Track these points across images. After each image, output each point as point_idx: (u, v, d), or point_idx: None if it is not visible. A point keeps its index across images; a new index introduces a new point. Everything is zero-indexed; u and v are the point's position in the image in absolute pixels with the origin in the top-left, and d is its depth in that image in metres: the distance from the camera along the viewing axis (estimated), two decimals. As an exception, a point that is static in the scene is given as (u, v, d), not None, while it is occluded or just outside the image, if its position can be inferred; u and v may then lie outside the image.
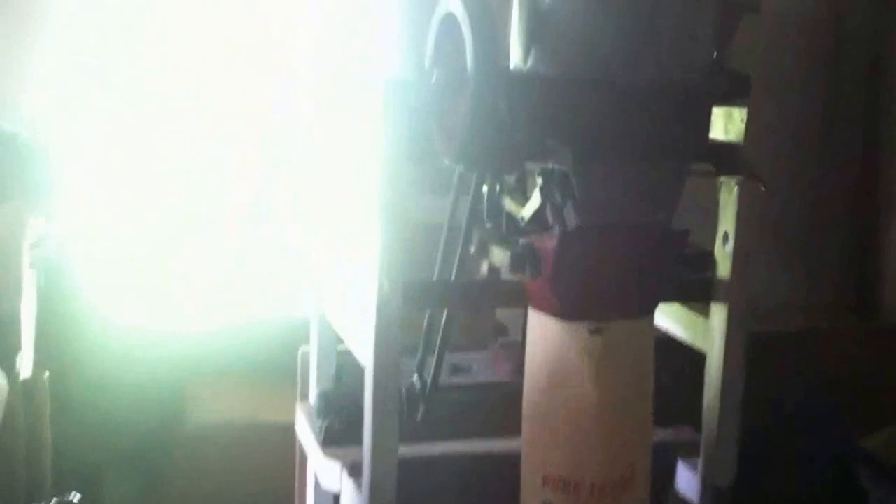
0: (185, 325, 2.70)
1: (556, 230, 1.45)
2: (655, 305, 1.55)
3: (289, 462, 2.23)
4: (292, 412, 2.13)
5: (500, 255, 1.55)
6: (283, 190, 2.55)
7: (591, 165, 1.43)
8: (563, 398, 1.50)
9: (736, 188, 1.60)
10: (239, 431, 2.55)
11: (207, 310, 2.72)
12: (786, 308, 2.94)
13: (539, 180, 1.48)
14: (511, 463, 1.60)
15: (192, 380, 2.64)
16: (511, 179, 1.69)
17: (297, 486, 2.03)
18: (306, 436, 1.86)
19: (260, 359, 2.62)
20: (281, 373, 2.36)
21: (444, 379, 1.80)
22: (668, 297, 1.62)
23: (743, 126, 1.58)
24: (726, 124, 1.60)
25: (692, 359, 1.74)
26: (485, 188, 1.64)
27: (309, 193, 1.94)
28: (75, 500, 2.35)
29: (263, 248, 2.67)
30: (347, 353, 1.90)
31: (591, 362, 1.47)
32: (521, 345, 1.88)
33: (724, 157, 1.59)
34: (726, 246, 1.62)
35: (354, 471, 1.64)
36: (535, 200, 1.51)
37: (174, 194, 2.63)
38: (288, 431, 2.21)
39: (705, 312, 1.68)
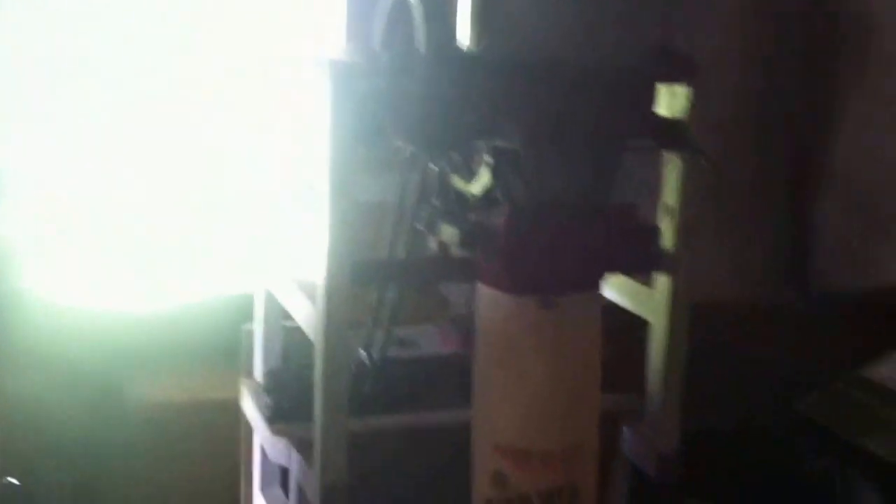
0: (125, 305, 2.67)
1: (506, 207, 1.48)
2: (603, 279, 1.58)
3: (233, 439, 2.23)
4: (234, 390, 2.14)
5: (449, 232, 1.56)
6: (229, 167, 2.53)
7: (540, 145, 1.46)
8: (513, 371, 1.52)
9: (679, 163, 1.64)
10: (180, 410, 2.54)
11: (147, 290, 2.69)
12: (721, 281, 3.01)
13: (488, 159, 1.51)
14: (461, 434, 1.63)
15: (132, 360, 2.62)
16: (457, 158, 1.71)
17: (242, 462, 2.03)
18: (253, 412, 1.87)
19: (200, 338, 2.61)
20: (222, 351, 2.36)
21: (392, 353, 1.83)
22: (616, 268, 1.65)
23: (687, 103, 1.61)
24: (670, 101, 1.63)
25: (635, 327, 1.78)
26: (433, 167, 1.65)
27: (256, 171, 1.93)
28: (14, 485, 2.32)
29: (205, 227, 2.64)
30: (294, 330, 1.92)
31: (540, 335, 1.50)
32: (469, 318, 1.91)
33: (668, 134, 1.63)
34: (670, 219, 1.66)
35: (304, 446, 1.65)
36: (484, 178, 1.53)
37: (116, 173, 2.59)
38: (231, 409, 2.22)
39: (649, 282, 1.72)
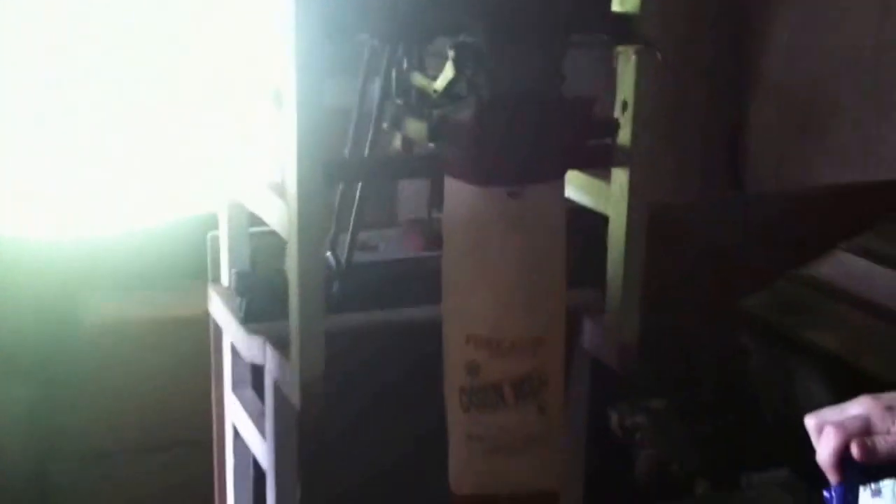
0: (80, 231, 2.67)
1: (472, 100, 1.51)
2: (567, 169, 1.63)
3: (193, 352, 2.26)
4: (189, 306, 2.16)
5: (415, 128, 1.60)
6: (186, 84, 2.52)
7: (502, 38, 1.49)
8: (483, 261, 1.57)
9: (633, 57, 1.68)
10: (142, 326, 2.56)
11: (101, 215, 2.69)
12: (662, 184, 3.08)
13: (452, 53, 1.54)
14: (431, 329, 1.67)
15: (93, 282, 2.63)
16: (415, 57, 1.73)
17: (213, 366, 2.06)
18: (223, 315, 1.90)
19: (153, 259, 2.62)
20: (186, 270, 2.39)
21: (356, 257, 1.86)
22: (577, 162, 1.70)
23: (638, -2, 1.65)
24: (622, -4, 1.67)
25: (594, 224, 1.83)
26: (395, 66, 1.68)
27: (217, 82, 1.94)
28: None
29: (159, 146, 2.64)
30: (259, 236, 1.95)
31: (509, 224, 1.55)
32: (427, 221, 1.96)
33: (621, 28, 1.67)
34: (625, 113, 1.71)
35: (280, 343, 1.69)
36: (447, 73, 1.56)
37: (68, 95, 2.56)
38: (194, 324, 2.25)
39: (607, 178, 1.77)
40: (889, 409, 1.15)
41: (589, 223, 1.84)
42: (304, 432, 1.77)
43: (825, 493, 1.16)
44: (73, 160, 2.62)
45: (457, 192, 1.57)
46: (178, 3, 2.49)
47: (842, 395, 1.20)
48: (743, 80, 3.90)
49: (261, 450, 1.86)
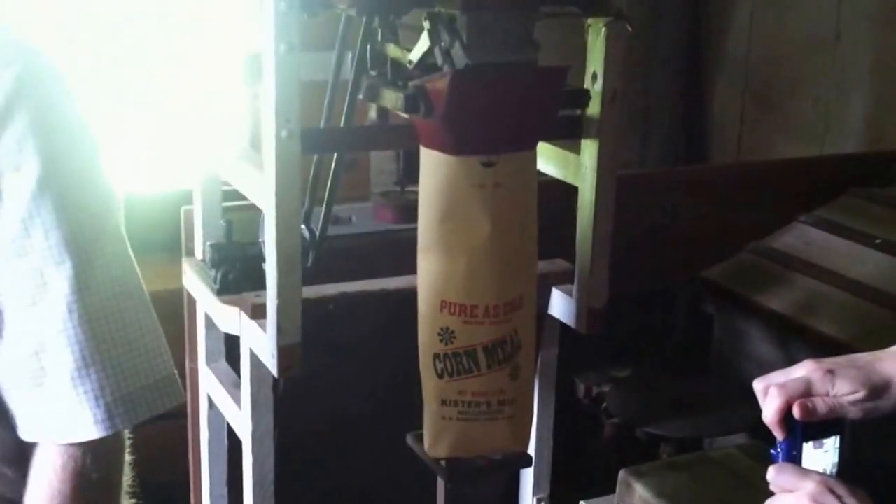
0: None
1: (447, 70, 1.54)
2: (539, 139, 1.66)
3: (165, 327, 2.27)
4: (160, 281, 2.16)
5: (391, 98, 1.62)
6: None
7: (477, 8, 1.52)
8: (457, 229, 1.60)
9: (603, 29, 1.72)
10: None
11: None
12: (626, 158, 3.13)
13: (427, 24, 1.57)
14: (406, 298, 1.71)
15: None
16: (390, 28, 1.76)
17: (186, 340, 2.08)
18: (197, 287, 1.92)
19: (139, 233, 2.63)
20: (148, 245, 2.39)
21: (330, 230, 1.89)
22: (549, 133, 1.73)
23: (608, -30, 1.69)
24: (592, -31, 1.70)
25: (562, 197, 1.87)
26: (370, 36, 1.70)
27: (189, 55, 1.95)
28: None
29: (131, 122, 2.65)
30: (233, 210, 1.97)
31: (483, 193, 1.58)
32: (401, 193, 1.99)
33: (591, 1, 1.70)
34: (595, 85, 1.74)
35: (257, 312, 1.72)
36: (422, 44, 1.59)
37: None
38: (157, 298, 2.26)
39: (576, 150, 1.81)
40: (829, 372, 1.26)
41: (554, 194, 1.87)
42: (283, 400, 1.80)
43: (772, 451, 1.26)
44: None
45: (431, 161, 1.60)
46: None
47: (795, 357, 1.26)
48: (705, 57, 3.97)
49: (237, 420, 1.89)
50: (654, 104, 3.96)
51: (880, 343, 1.36)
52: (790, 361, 1.34)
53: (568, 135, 1.77)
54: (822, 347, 2.16)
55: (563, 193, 1.84)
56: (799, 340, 2.29)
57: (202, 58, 1.91)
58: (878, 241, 2.46)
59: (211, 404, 2.04)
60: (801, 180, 2.81)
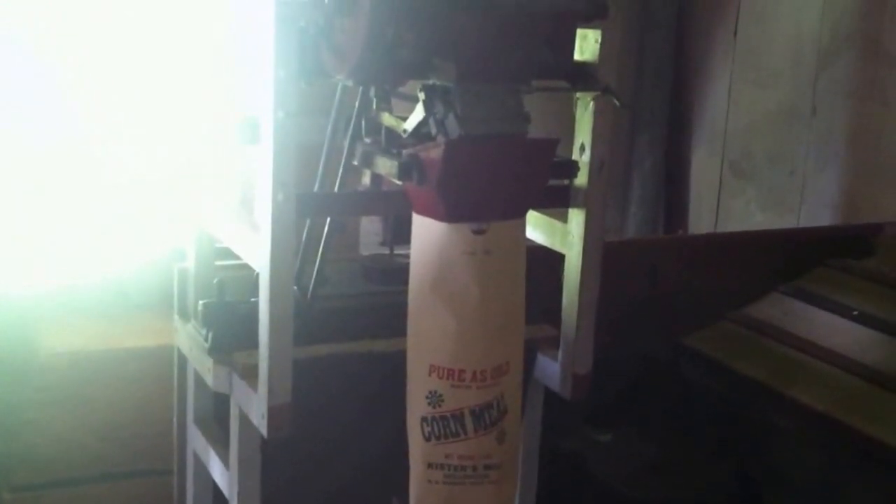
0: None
1: (441, 140, 1.59)
2: (529, 208, 1.71)
3: (154, 383, 2.29)
4: (150, 337, 2.18)
5: (385, 166, 1.66)
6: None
7: (471, 81, 1.57)
8: (447, 294, 1.64)
9: (591, 103, 1.77)
10: (95, 358, 2.58)
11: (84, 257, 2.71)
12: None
13: (422, 95, 1.61)
14: (394, 360, 1.73)
15: (44, 315, 2.64)
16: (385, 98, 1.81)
17: (175, 398, 2.10)
18: (189, 346, 1.94)
19: (114, 290, 2.65)
20: (138, 302, 2.42)
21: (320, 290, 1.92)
22: (539, 202, 1.78)
23: (597, 46, 1.75)
24: (581, 45, 1.76)
25: (549, 264, 1.91)
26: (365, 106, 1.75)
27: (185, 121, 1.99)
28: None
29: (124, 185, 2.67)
30: (226, 269, 1.99)
31: (473, 260, 1.62)
32: (389, 256, 2.02)
33: (580, 76, 1.76)
34: (583, 156, 1.80)
35: (247, 372, 1.74)
36: (417, 114, 1.64)
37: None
38: (147, 354, 2.27)
39: (564, 219, 1.86)
40: None
41: (541, 261, 1.92)
42: (270, 460, 1.82)
43: None
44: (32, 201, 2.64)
45: (424, 227, 1.64)
46: (145, 32, 2.53)
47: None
48: (685, 128, 4.05)
49: (223, 479, 1.90)
50: (634, 172, 4.03)
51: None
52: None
53: (556, 204, 1.82)
54: (799, 415, 2.20)
55: (548, 260, 1.88)
56: (777, 407, 2.32)
57: (194, 115, 1.95)
58: (855, 313, 2.52)
59: (198, 462, 2.05)
60: (778, 251, 2.87)
